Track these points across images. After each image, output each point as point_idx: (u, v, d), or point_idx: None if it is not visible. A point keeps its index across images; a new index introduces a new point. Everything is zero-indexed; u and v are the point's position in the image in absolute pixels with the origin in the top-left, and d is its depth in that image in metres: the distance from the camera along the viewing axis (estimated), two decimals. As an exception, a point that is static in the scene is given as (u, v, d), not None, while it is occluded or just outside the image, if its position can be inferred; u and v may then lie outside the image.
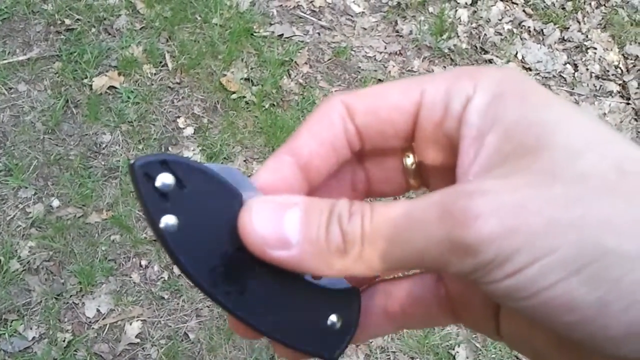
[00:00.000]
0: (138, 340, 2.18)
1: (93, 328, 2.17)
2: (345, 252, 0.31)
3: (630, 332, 0.27)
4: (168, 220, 0.32)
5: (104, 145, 2.49)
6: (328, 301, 0.37)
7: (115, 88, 2.61)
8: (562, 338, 0.30)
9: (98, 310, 2.20)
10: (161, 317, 2.23)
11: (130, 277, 2.27)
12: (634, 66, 3.16)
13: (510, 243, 0.27)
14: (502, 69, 0.34)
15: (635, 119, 3.03)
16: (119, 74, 2.64)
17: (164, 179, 0.32)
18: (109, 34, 2.75)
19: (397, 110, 0.35)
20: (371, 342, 2.31)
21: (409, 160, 0.38)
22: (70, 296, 2.21)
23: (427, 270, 0.35)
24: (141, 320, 2.21)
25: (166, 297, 2.26)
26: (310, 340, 0.36)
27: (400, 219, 0.30)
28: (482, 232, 0.27)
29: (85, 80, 2.60)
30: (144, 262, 2.30)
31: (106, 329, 2.18)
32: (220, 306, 0.34)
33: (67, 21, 2.73)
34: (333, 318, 0.36)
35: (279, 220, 0.32)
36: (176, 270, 2.30)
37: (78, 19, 2.74)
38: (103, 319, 2.19)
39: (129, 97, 2.59)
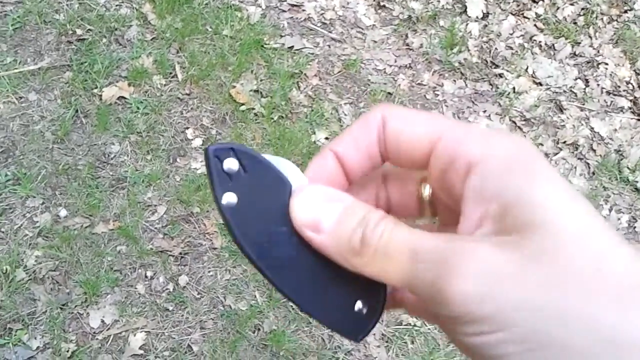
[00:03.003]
0: (142, 351, 2.18)
1: (97, 339, 2.17)
2: (360, 254, 0.36)
3: None
4: (229, 198, 0.38)
5: (112, 156, 2.49)
6: (357, 288, 0.40)
7: (125, 98, 2.62)
8: None
9: (102, 321, 2.21)
10: (165, 328, 2.23)
11: (136, 288, 2.27)
12: (646, 82, 3.14)
13: (480, 308, 0.31)
14: (517, 140, 0.36)
15: (647, 136, 3.01)
16: (129, 85, 2.65)
17: (230, 164, 0.38)
18: (120, 45, 2.76)
19: (417, 140, 0.39)
20: (376, 358, 2.30)
21: (426, 190, 0.42)
22: (75, 306, 2.21)
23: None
24: (145, 332, 2.21)
25: (171, 308, 2.26)
26: (338, 321, 0.41)
27: (408, 247, 0.34)
28: (460, 290, 0.31)
29: (95, 90, 2.61)
30: (149, 274, 2.30)
31: (110, 340, 2.18)
32: (263, 277, 0.39)
33: (79, 31, 2.74)
34: (359, 304, 0.41)
35: (322, 208, 0.38)
36: (181, 282, 2.30)
37: (89, 29, 2.76)
38: (107, 330, 2.20)
39: (138, 108, 2.60)
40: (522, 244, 0.31)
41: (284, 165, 0.41)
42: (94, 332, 2.19)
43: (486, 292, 0.31)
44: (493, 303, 0.31)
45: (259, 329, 2.28)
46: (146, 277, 2.30)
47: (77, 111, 2.56)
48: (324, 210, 0.38)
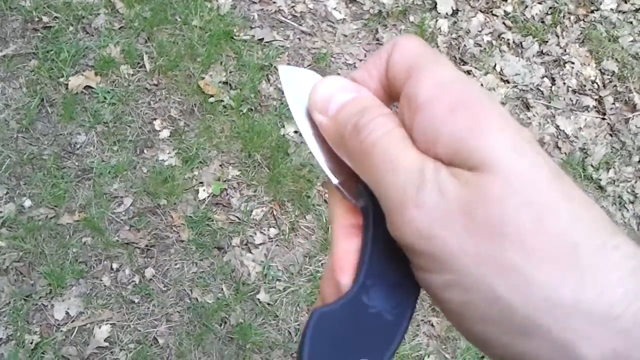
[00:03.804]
0: (107, 344, 2.16)
1: (62, 330, 2.15)
2: (347, 142, 0.37)
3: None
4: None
5: (78, 146, 2.46)
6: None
7: (92, 88, 2.59)
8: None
9: (67, 313, 2.18)
10: (131, 321, 2.22)
11: (101, 280, 2.25)
12: (610, 82, 3.19)
13: (427, 244, 0.32)
14: (467, 81, 0.36)
15: (610, 134, 3.07)
16: (96, 74, 2.62)
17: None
18: (87, 33, 2.72)
19: (398, 74, 0.38)
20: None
21: None
22: (40, 298, 2.18)
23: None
24: (110, 324, 2.20)
25: (136, 301, 2.25)
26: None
27: (387, 157, 0.34)
28: (413, 221, 0.32)
29: (62, 79, 2.57)
30: (115, 265, 2.28)
31: (75, 332, 2.16)
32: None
33: (45, 18, 2.70)
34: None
35: (335, 94, 0.39)
36: (147, 274, 2.28)
37: (56, 17, 2.71)
38: (72, 322, 2.17)
39: (105, 98, 2.57)
40: (471, 183, 0.31)
41: (311, 77, 0.44)
42: (59, 324, 2.16)
43: (436, 229, 0.31)
44: (439, 241, 0.31)
45: (225, 322, 2.27)
46: (112, 269, 2.28)
47: (42, 100, 2.52)
48: (336, 96, 0.39)
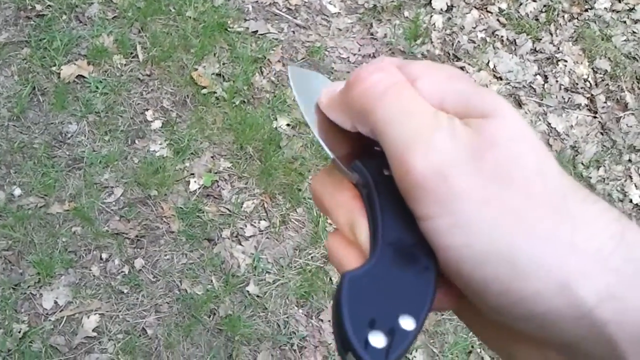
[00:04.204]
0: (95, 334, 2.16)
1: (50, 320, 2.15)
2: (359, 92, 0.36)
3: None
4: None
5: (69, 135, 2.46)
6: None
7: (84, 77, 2.58)
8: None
9: (56, 302, 2.18)
10: (120, 311, 2.22)
11: (90, 270, 2.25)
12: (603, 80, 3.20)
13: (435, 185, 0.32)
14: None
15: (602, 133, 3.08)
16: (88, 64, 2.61)
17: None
18: (80, 22, 2.71)
19: None
20: (330, 344, 2.32)
21: None
22: (28, 287, 2.18)
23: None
24: (99, 314, 2.19)
25: (125, 291, 2.25)
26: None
27: (405, 98, 0.35)
28: (422, 163, 0.32)
29: (54, 68, 2.56)
30: (104, 256, 2.28)
31: (63, 322, 2.16)
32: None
33: (38, 7, 2.69)
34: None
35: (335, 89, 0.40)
36: (137, 265, 2.28)
37: (49, 5, 2.70)
38: (60, 311, 2.17)
39: (97, 87, 2.57)
40: (482, 128, 0.32)
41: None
42: (47, 313, 2.16)
43: (445, 168, 0.32)
44: (447, 181, 0.31)
45: (214, 314, 2.27)
46: (101, 259, 2.28)
47: (34, 88, 2.51)
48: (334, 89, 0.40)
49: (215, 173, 2.51)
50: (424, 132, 0.33)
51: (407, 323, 0.34)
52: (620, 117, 3.13)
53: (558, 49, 3.26)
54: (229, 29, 2.89)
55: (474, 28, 3.24)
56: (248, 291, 2.33)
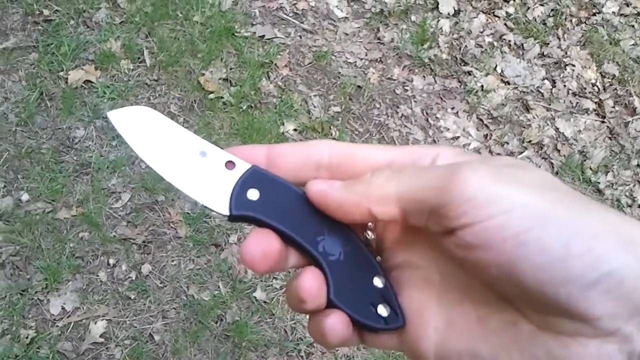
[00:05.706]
0: (102, 339, 2.16)
1: (57, 326, 2.15)
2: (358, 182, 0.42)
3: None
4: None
5: (77, 140, 2.46)
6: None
7: (91, 82, 2.58)
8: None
9: (63, 308, 2.18)
10: (127, 317, 2.21)
11: (97, 276, 2.25)
12: (611, 85, 3.19)
13: (473, 192, 0.37)
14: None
15: (610, 138, 3.07)
16: (96, 69, 2.61)
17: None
18: (88, 27, 2.72)
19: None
20: (337, 350, 2.31)
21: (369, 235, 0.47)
22: (36, 292, 2.18)
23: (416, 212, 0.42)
24: (106, 320, 2.19)
25: (133, 297, 2.25)
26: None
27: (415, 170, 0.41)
28: (465, 184, 0.37)
29: (61, 73, 2.57)
30: (111, 261, 2.28)
31: (70, 327, 2.16)
32: None
33: (46, 12, 2.69)
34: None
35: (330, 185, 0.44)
36: (144, 270, 2.28)
37: (57, 10, 2.70)
38: (68, 317, 2.17)
39: (104, 92, 2.57)
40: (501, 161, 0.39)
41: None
42: (54, 319, 2.16)
43: (487, 183, 0.36)
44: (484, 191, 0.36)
45: (221, 320, 2.27)
46: (108, 264, 2.28)
47: (42, 94, 2.51)
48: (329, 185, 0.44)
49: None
50: (454, 168, 0.39)
51: None
52: (629, 121, 3.11)
53: (566, 53, 3.25)
54: (236, 34, 2.88)
55: (482, 32, 3.23)
56: (255, 297, 2.33)
